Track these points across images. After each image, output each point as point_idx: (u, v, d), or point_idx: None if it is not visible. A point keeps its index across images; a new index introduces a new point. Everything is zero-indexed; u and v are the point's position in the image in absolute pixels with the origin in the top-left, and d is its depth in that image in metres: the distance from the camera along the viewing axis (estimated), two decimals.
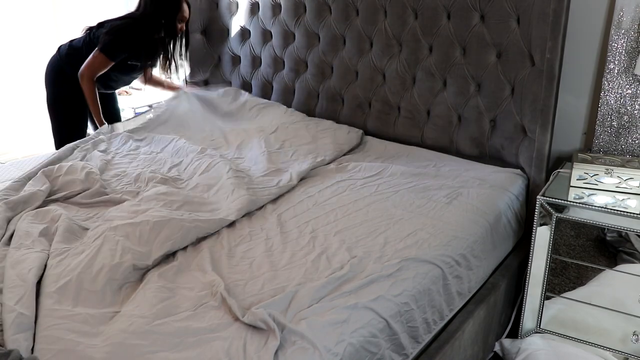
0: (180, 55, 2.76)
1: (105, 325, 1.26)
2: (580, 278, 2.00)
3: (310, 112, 2.84)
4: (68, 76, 2.61)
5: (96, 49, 2.53)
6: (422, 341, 1.50)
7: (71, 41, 2.68)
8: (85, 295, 1.35)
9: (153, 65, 2.77)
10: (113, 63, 2.57)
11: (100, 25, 2.64)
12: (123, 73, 2.71)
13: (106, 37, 2.52)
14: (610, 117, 2.14)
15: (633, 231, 1.80)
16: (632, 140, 2.12)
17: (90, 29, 2.66)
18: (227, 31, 3.08)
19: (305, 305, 1.31)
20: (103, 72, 2.57)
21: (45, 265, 1.46)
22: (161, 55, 2.70)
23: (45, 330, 1.22)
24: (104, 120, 2.64)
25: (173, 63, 2.73)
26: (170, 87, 2.94)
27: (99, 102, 2.63)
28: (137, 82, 3.75)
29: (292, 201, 1.90)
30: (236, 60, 3.11)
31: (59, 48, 2.68)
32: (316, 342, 1.19)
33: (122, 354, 1.15)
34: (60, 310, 1.29)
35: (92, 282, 1.38)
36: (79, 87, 2.57)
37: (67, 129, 2.67)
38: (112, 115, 2.87)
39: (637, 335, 1.83)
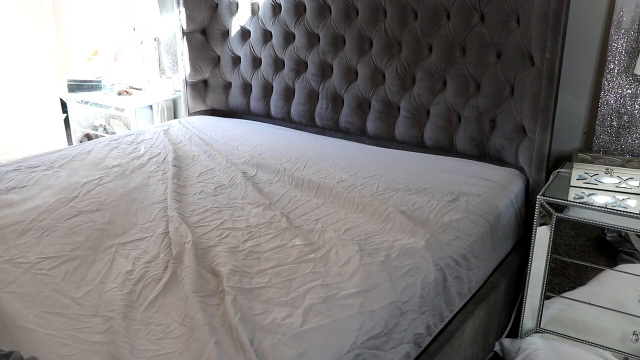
0: None
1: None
2: (580, 278, 2.00)
3: (310, 112, 2.84)
4: None
5: None
6: (424, 344, 1.50)
7: None
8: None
9: None
10: None
11: None
12: None
13: None
14: (610, 117, 2.14)
15: (633, 231, 1.80)
16: (632, 140, 2.12)
17: None
18: (227, 31, 3.08)
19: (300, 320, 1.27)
20: None
21: None
22: None
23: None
24: None
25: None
26: None
27: None
28: (137, 82, 3.75)
29: (293, 215, 1.89)
30: (236, 60, 3.11)
31: None
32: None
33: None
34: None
35: None
36: None
37: None
38: None
39: (637, 335, 1.83)
